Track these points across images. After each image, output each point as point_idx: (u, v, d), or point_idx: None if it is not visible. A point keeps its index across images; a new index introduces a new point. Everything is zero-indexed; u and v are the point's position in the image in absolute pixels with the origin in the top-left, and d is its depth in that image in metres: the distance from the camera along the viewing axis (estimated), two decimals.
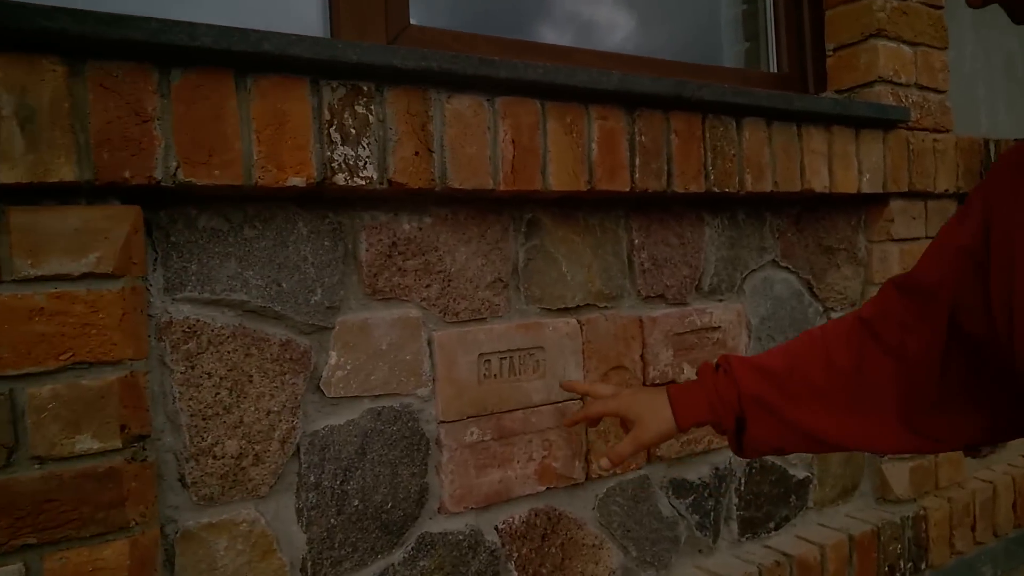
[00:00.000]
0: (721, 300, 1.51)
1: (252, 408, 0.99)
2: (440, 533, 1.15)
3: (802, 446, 0.94)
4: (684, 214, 1.45)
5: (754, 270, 1.57)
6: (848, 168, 1.58)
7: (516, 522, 1.23)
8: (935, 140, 1.76)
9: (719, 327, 1.49)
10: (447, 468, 1.15)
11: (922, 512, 1.73)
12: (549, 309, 1.28)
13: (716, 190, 1.36)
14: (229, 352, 0.97)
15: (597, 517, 1.33)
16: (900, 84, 1.72)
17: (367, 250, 1.09)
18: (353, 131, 0.99)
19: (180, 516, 0.95)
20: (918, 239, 1.77)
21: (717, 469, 1.49)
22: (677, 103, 1.29)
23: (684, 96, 1.27)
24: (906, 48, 1.74)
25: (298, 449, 1.03)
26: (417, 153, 1.04)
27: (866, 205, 1.74)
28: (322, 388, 1.05)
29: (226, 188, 0.91)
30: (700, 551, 1.47)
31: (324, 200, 1.05)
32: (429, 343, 1.14)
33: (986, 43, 2.18)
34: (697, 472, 1.46)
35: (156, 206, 0.93)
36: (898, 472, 1.75)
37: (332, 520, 1.05)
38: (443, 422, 1.15)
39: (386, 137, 1.02)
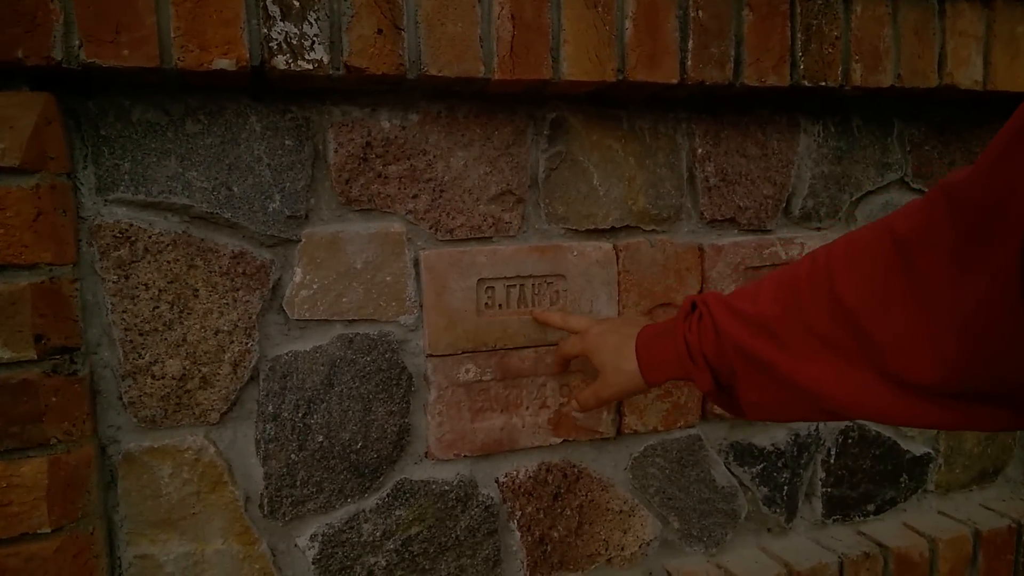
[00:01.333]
0: (819, 228, 1.20)
1: (197, 326, 0.88)
2: (423, 481, 1.00)
3: (807, 413, 0.69)
4: (770, 119, 1.14)
5: (871, 192, 1.23)
6: (1018, 55, 1.16)
7: (522, 476, 1.05)
8: None
9: None
10: (435, 408, 0.98)
11: None
12: (576, 230, 1.05)
13: (806, 83, 1.04)
14: (170, 262, 0.86)
15: (630, 479, 1.11)
16: None
17: (336, 151, 0.92)
18: (296, 3, 0.81)
19: (123, 437, 0.87)
20: None
21: (797, 436, 1.20)
22: None
23: None
24: None
25: (256, 375, 0.92)
26: (380, 31, 0.84)
27: None
28: (285, 308, 0.92)
29: (140, 72, 0.78)
30: (769, 529, 1.21)
31: (282, 92, 0.89)
32: (415, 263, 0.97)
33: None
34: (770, 436, 1.19)
35: (83, 95, 0.82)
36: None
37: (293, 456, 0.93)
38: (432, 355, 0.98)
39: (339, 10, 0.83)
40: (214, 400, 0.89)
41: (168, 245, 0.86)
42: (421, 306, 0.97)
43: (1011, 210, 0.45)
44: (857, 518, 1.26)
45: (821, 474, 1.22)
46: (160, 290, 0.86)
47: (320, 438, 0.94)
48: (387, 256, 0.95)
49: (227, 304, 0.89)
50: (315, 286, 0.93)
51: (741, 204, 1.13)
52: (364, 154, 0.93)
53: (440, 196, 0.97)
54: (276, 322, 0.93)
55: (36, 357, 0.78)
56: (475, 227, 0.99)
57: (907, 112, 1.22)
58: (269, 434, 0.92)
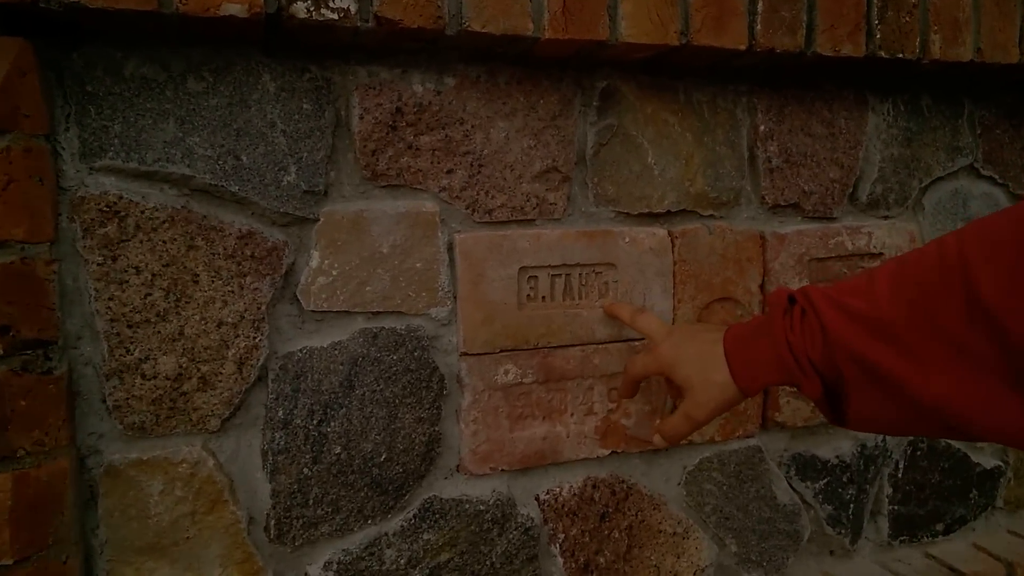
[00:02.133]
0: (887, 217, 1.08)
1: (197, 317, 0.75)
2: (455, 499, 0.86)
3: (926, 429, 0.59)
4: (837, 94, 1.02)
5: (940, 178, 1.11)
6: None
7: (565, 494, 0.91)
8: None
9: (880, 254, 1.06)
10: (470, 415, 0.85)
11: None
12: (627, 214, 0.93)
13: (883, 55, 0.92)
14: (165, 242, 0.73)
15: (683, 496, 0.98)
16: None
17: (361, 118, 0.79)
18: None
19: (106, 447, 0.74)
20: None
21: (864, 447, 1.08)
22: None
23: None
24: None
25: (264, 374, 0.78)
26: None
27: None
28: (299, 298, 0.79)
29: (134, 16, 0.64)
30: (831, 552, 1.08)
31: (301, 47, 0.76)
32: (449, 248, 0.84)
33: None
34: (834, 447, 1.06)
35: (66, 44, 0.69)
36: None
37: (306, 469, 0.80)
38: (466, 354, 0.85)
39: None
40: (215, 404, 0.76)
41: (164, 222, 0.73)
42: (455, 297, 0.84)
43: None
44: (925, 539, 1.13)
45: (888, 490, 1.10)
46: (153, 275, 0.73)
47: (338, 449, 0.80)
48: (417, 239, 0.82)
49: (232, 292, 0.76)
50: (335, 272, 0.79)
51: (806, 188, 1.01)
52: (393, 122, 0.80)
53: (478, 172, 0.85)
54: (288, 313, 0.79)
55: (2, 352, 0.65)
56: (517, 208, 0.87)
57: (977, 92, 1.11)
58: (279, 444, 0.78)
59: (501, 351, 0.86)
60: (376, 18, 0.71)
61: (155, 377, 0.73)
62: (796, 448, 1.04)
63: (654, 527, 0.96)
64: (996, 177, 1.14)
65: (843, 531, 1.07)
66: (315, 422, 0.79)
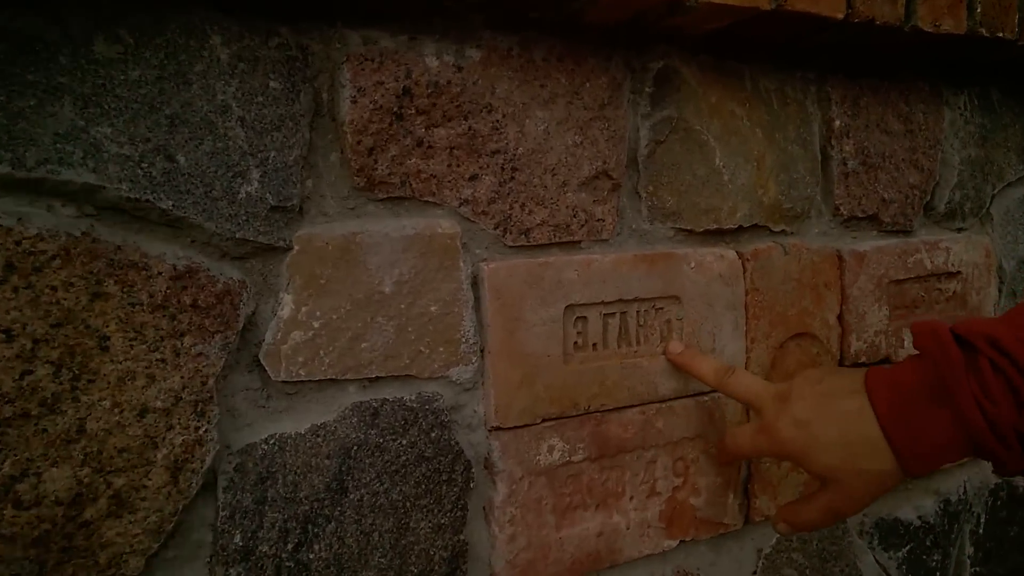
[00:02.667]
0: (961, 229, 0.91)
1: (106, 402, 0.49)
2: None
3: None
4: (913, 84, 0.85)
5: (1010, 184, 0.96)
6: None
7: None
8: None
9: (957, 273, 0.89)
10: (505, 513, 0.62)
11: None
12: (689, 231, 0.72)
13: (984, 32, 0.76)
14: (56, 288, 0.47)
15: None
16: None
17: (354, 101, 0.55)
18: None
19: None
20: None
21: (947, 502, 0.91)
22: None
23: None
24: None
25: (212, 481, 0.53)
26: None
27: None
28: (263, 363, 0.54)
29: None
30: None
31: (266, 1, 0.52)
32: (474, 283, 0.61)
33: None
34: (916, 507, 0.89)
35: None
36: None
37: None
38: (499, 428, 0.62)
39: None
40: (136, 535, 0.50)
41: (53, 258, 0.46)
42: (482, 351, 0.61)
43: None
44: None
45: (969, 549, 0.93)
46: (36, 340, 0.46)
47: None
48: (432, 272, 0.59)
49: (163, 362, 0.50)
50: (316, 324, 0.55)
51: (885, 196, 0.83)
52: (399, 108, 0.57)
53: (512, 178, 0.62)
54: (247, 387, 0.54)
55: None
56: (561, 226, 0.64)
57: None
58: None
59: (544, 421, 0.63)
60: None
61: (38, 504, 0.47)
62: (878, 512, 0.85)
63: None
64: None
65: None
66: (290, 547, 0.54)
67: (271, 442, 0.54)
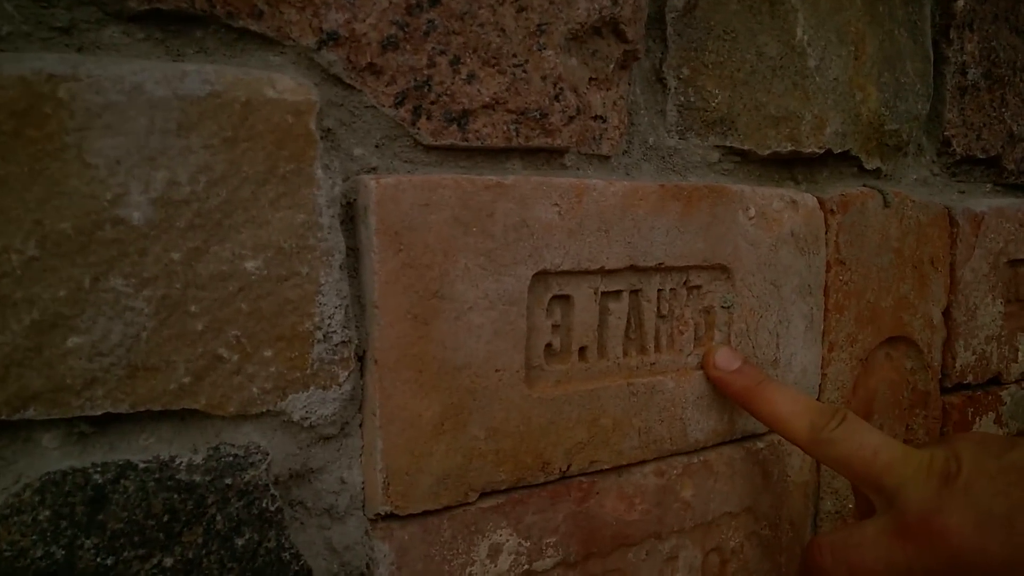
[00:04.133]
0: None
1: None
2: None
3: None
4: None
5: None
6: None
7: None
8: None
9: None
10: None
11: None
12: (746, 154, 0.43)
13: None
14: None
15: None
16: None
17: None
18: None
19: None
20: None
21: None
22: None
23: None
24: None
25: None
26: None
27: None
28: None
29: None
30: None
31: None
32: (349, 216, 0.30)
33: None
34: None
35: None
36: None
37: None
38: (392, 516, 0.31)
39: None
40: None
41: None
42: (362, 359, 0.30)
43: None
44: None
45: None
46: None
47: None
48: (249, 184, 0.27)
49: None
50: None
51: (1015, 129, 0.56)
52: None
53: (429, 6, 0.31)
54: None
55: None
56: (528, 114, 0.34)
57: None
58: None
59: (483, 496, 0.33)
60: None
61: None
62: None
63: None
64: None
65: None
66: None
67: None
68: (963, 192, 0.56)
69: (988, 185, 0.57)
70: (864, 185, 0.47)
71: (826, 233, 0.45)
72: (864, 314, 0.47)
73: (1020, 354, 0.59)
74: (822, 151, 0.44)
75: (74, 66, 0.24)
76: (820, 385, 0.46)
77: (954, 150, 0.53)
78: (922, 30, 0.50)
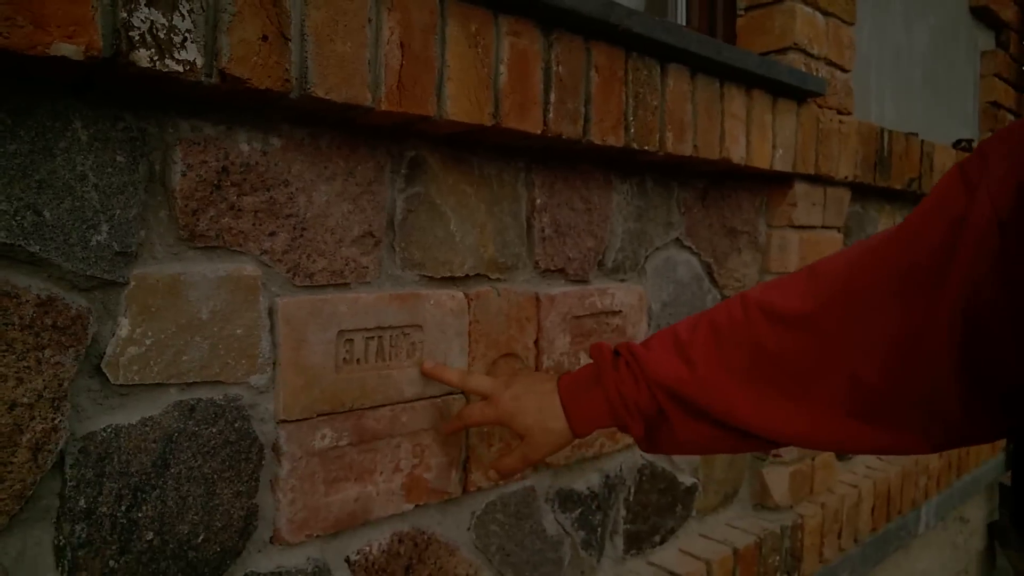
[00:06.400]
0: (623, 280, 1.34)
1: None
2: (271, 573, 0.87)
3: (733, 445, 0.80)
4: (591, 174, 1.26)
5: (658, 248, 1.42)
6: (764, 140, 1.46)
7: (374, 551, 0.98)
8: (840, 122, 1.70)
9: (620, 311, 1.32)
10: (287, 484, 0.87)
11: (799, 520, 1.69)
12: (431, 277, 1.03)
13: (635, 146, 1.18)
14: None
15: (473, 540, 1.11)
16: (812, 56, 1.64)
17: (184, 175, 0.78)
18: None
19: None
20: (815, 227, 1.71)
21: (607, 477, 1.32)
22: (602, 31, 1.09)
23: (611, 22, 1.07)
24: (820, 16, 1.66)
25: (61, 460, 0.72)
26: (266, 38, 0.75)
27: (770, 185, 1.64)
28: (105, 371, 0.74)
29: None
30: (582, 572, 1.29)
31: (117, 92, 0.73)
32: (271, 313, 0.86)
33: (881, 30, 2.19)
34: (586, 481, 1.29)
35: None
36: (779, 477, 1.69)
37: (112, 562, 0.75)
38: (285, 421, 0.87)
39: (218, 6, 0.72)
40: (3, 499, 0.68)
41: None
42: (275, 363, 0.86)
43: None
44: (648, 550, 1.42)
45: (623, 512, 1.36)
46: None
47: (150, 535, 0.77)
48: (238, 304, 0.83)
49: (29, 368, 0.69)
50: (148, 341, 0.76)
51: (571, 255, 1.22)
52: (219, 181, 0.81)
53: (301, 235, 0.88)
54: (89, 388, 0.74)
55: None
56: (337, 272, 0.92)
57: (682, 178, 1.45)
58: (79, 538, 0.72)
59: (319, 415, 0.90)
60: (222, 74, 0.73)
61: None
62: (559, 484, 1.24)
63: (450, 572, 1.06)
64: (693, 247, 1.50)
65: (592, 552, 1.30)
66: (124, 508, 0.75)
67: (108, 431, 0.74)
68: (550, 284, 1.21)
69: (562, 281, 1.23)
70: (489, 286, 1.10)
71: (468, 308, 1.07)
72: (490, 343, 1.10)
73: (583, 361, 1.25)
74: (464, 275, 1.06)
75: (183, 268, 0.79)
76: None
77: (540, 267, 1.18)
78: (520, 214, 1.15)
